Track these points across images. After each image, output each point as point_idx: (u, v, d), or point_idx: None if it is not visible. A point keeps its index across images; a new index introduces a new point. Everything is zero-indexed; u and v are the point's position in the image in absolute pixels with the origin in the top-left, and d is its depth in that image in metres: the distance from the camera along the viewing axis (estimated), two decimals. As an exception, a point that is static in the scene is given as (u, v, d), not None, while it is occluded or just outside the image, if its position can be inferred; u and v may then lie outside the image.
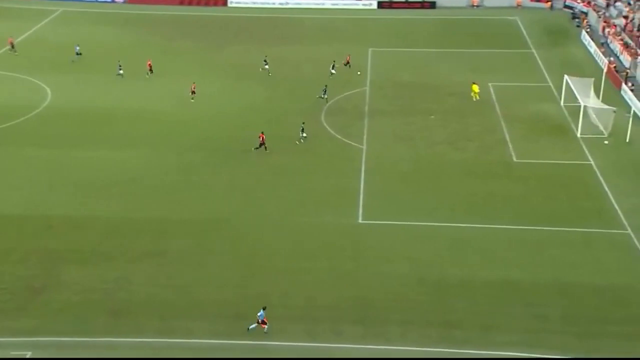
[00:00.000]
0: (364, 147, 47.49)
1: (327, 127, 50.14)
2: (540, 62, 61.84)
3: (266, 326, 31.05)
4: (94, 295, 33.45)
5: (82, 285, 34.09)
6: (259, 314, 31.06)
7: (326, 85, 54.47)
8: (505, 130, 49.78)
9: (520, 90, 56.25)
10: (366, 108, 53.61)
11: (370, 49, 65.01)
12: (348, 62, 59.03)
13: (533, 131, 49.53)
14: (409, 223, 38.98)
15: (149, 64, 58.73)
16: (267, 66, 58.79)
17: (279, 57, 63.31)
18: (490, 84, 56.97)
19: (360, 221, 39.40)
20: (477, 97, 53.90)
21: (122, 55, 61.74)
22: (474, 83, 54.39)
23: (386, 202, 41.06)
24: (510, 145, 47.59)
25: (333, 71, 58.00)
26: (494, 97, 55.07)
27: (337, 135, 49.05)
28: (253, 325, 31.11)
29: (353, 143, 48.06)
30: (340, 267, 35.51)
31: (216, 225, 38.93)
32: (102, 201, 40.92)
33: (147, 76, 58.14)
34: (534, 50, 64.53)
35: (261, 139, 46.41)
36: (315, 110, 52.87)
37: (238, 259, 36.12)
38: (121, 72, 58.40)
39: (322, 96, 53.79)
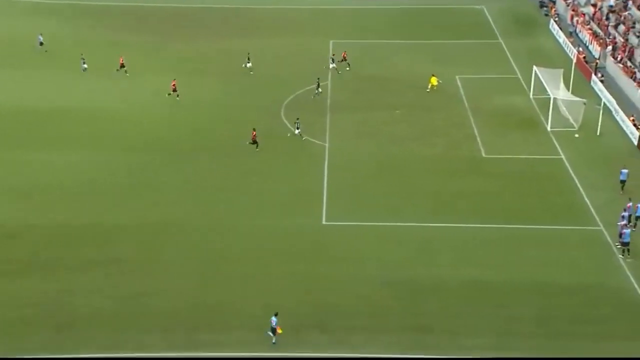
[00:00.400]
0: (327, 145, 47.27)
1: (287, 123, 49.80)
2: (508, 52, 62.52)
3: (274, 337, 30.58)
4: (32, 310, 32.41)
5: (19, 300, 33.03)
6: (273, 322, 30.58)
7: (319, 79, 54.10)
8: (473, 124, 50.12)
9: (488, 83, 56.75)
10: (328, 103, 53.43)
11: (331, 41, 64.86)
12: (344, 59, 58.12)
13: (502, 125, 49.96)
14: (375, 223, 38.88)
15: (121, 61, 57.31)
16: (249, 64, 57.77)
17: (233, 50, 62.74)
18: (457, 76, 57.33)
19: (323, 223, 39.18)
20: (433, 88, 54.08)
21: (64, 50, 60.43)
22: (433, 75, 54.63)
23: (351, 202, 40.89)
24: (479, 140, 47.91)
25: (333, 65, 57.17)
26: (461, 89, 55.43)
27: (297, 132, 48.73)
28: (270, 332, 30.74)
29: (315, 140, 47.81)
30: (302, 271, 35.22)
31: (167, 230, 38.27)
32: (41, 207, 39.90)
33: (125, 73, 56.60)
34: (501, 41, 65.22)
35: (253, 135, 46.13)
36: (273, 106, 52.47)
37: (192, 266, 35.55)
38: (85, 66, 57.32)
39: (317, 91, 53.39)
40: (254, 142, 46.03)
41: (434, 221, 39.03)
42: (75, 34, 65.86)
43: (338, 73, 56.87)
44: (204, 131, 49.13)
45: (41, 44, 61.34)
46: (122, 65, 57.05)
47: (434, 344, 30.85)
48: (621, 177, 41.89)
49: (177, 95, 52.94)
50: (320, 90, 53.57)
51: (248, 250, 36.87)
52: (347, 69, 58.06)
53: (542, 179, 43.41)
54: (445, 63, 59.66)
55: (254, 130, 46.32)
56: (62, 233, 37.87)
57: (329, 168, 44.50)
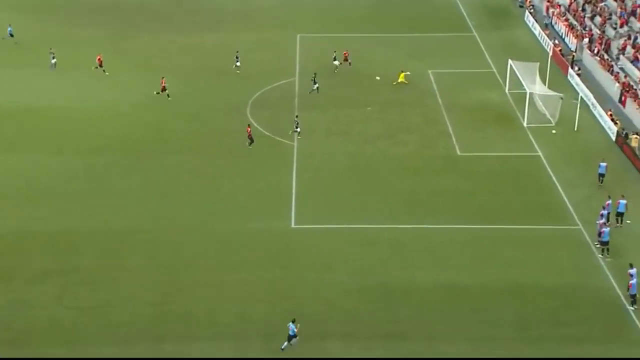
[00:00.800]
0: (295, 144, 47.38)
1: (253, 122, 49.80)
2: (482, 46, 63.23)
3: (286, 343, 30.64)
4: (-15, 324, 32.11)
5: (-31, 313, 32.71)
6: (290, 329, 30.65)
7: (315, 74, 54.04)
8: (447, 121, 50.64)
9: (462, 77, 57.35)
10: (296, 101, 53.53)
11: (298, 35, 64.97)
12: (347, 59, 58.08)
13: (477, 121, 50.57)
14: (347, 226, 39.10)
15: (99, 59, 56.58)
16: (238, 63, 57.33)
17: (197, 45, 62.58)
18: (429, 71, 57.85)
19: (293, 226, 39.30)
20: (400, 84, 54.56)
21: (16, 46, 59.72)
22: (402, 72, 55.00)
23: (321, 204, 41.07)
24: (454, 138, 48.43)
25: (336, 62, 57.01)
26: (434, 85, 55.95)
27: (264, 132, 48.77)
28: (285, 344, 30.74)
29: (283, 140, 47.89)
30: (273, 277, 35.32)
31: (130, 236, 38.09)
32: (-5, 214, 39.45)
33: (104, 72, 56.06)
34: (475, 34, 65.93)
35: (248, 133, 46.20)
36: (239, 104, 52.45)
37: (157, 274, 35.43)
38: (54, 61, 56.66)
39: (314, 88, 53.39)
40: (250, 139, 46.17)
41: (408, 222, 39.38)
42: (29, 28, 64.97)
43: (334, 72, 56.71)
44: (168, 131, 48.91)
45: (11, 35, 60.98)
46: (100, 64, 56.30)
47: (408, 351, 31.13)
48: (599, 171, 42.77)
49: (168, 95, 52.36)
50: (317, 86, 53.50)
51: (216, 255, 36.85)
52: (336, 68, 57.59)
53: (519, 177, 44.05)
54: (417, 57, 60.15)
55: (249, 126, 46.59)
56: (17, 240, 37.47)
57: (298, 169, 44.62)
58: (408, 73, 55.35)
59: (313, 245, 37.76)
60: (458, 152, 46.76)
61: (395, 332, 32.10)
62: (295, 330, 30.70)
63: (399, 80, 55.06)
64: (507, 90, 54.65)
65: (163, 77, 53.08)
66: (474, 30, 66.64)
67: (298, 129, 47.74)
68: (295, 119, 48.25)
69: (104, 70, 56.26)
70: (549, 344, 31.50)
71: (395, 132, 49.12)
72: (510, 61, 54.14)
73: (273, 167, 44.87)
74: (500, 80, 56.22)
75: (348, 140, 48.09)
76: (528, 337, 31.87)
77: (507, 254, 37.06)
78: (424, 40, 64.44)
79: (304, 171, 44.35)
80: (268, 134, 48.53)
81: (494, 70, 58.30)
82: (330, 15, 70.28)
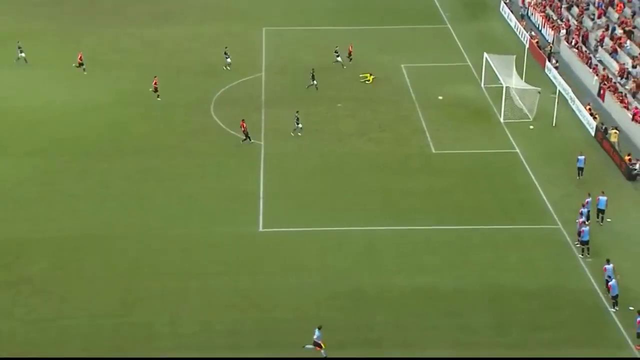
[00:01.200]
0: (262, 143, 47.21)
1: (217, 120, 49.53)
2: (456, 38, 63.60)
3: (323, 350, 30.48)
4: None
5: None
6: (315, 336, 30.51)
7: (313, 69, 53.78)
8: (421, 117, 50.82)
9: (436, 71, 57.63)
10: (263, 97, 53.35)
11: (264, 28, 64.77)
12: (350, 54, 57.67)
13: (452, 117, 50.82)
14: (317, 229, 39.03)
15: (80, 57, 55.66)
16: (229, 59, 56.82)
17: (154, 39, 62.07)
18: (402, 65, 58.03)
19: (260, 230, 39.13)
20: (364, 79, 54.77)
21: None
22: (370, 74, 55.20)
23: (291, 206, 40.95)
24: (428, 135, 48.62)
25: (339, 59, 56.67)
26: (407, 80, 56.13)
27: (230, 131, 48.53)
28: (309, 346, 30.60)
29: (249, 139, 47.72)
30: (239, 284, 35.10)
31: (86, 243, 37.65)
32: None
33: (82, 71, 55.28)
34: (449, 25, 66.29)
35: (243, 128, 46.00)
36: (201, 101, 52.12)
37: (115, 283, 35.04)
38: (22, 55, 55.93)
39: (312, 83, 53.15)
40: (246, 134, 45.99)
41: (381, 224, 39.42)
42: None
43: (343, 68, 56.48)
44: (126, 131, 48.45)
45: None
46: (81, 63, 55.44)
47: (383, 358, 31.10)
48: (578, 164, 43.31)
49: (158, 96, 51.75)
50: (315, 82, 53.31)
51: (179, 262, 36.55)
52: (338, 64, 57.25)
53: (496, 175, 44.36)
54: (389, 51, 60.33)
55: (243, 120, 46.43)
56: (-37, 251, 36.84)
57: (265, 169, 44.45)
58: (374, 77, 55.28)
59: (282, 249, 37.61)
60: (433, 150, 46.93)
61: (370, 339, 32.08)
62: (314, 337, 30.57)
63: (367, 79, 55.11)
64: (482, 85, 55.02)
65: (155, 76, 52.48)
66: (447, 22, 67.01)
67: (300, 125, 47.48)
68: (296, 114, 47.97)
69: (84, 70, 55.36)
70: (528, 348, 31.70)
71: (367, 130, 49.17)
72: (485, 54, 54.51)
73: (239, 167, 44.63)
74: (476, 74, 56.59)
75: (318, 138, 48.02)
76: (506, 342, 32.05)
77: (484, 255, 37.27)
78: (396, 32, 64.63)
79: (272, 171, 44.18)
80: (234, 133, 48.26)
81: (469, 63, 58.66)
82: (297, 7, 70.18)
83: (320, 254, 37.29)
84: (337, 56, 57.04)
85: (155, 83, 51.99)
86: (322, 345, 30.68)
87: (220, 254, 37.15)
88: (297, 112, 48.42)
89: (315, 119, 50.30)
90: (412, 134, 48.70)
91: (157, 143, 46.87)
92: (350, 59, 57.60)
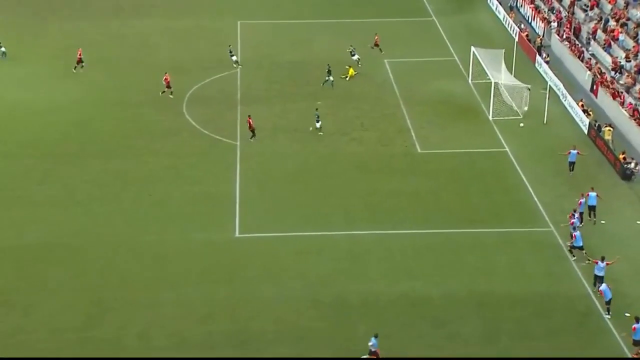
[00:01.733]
0: (238, 144, 47.33)
1: (190, 120, 49.60)
2: (442, 32, 64.06)
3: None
4: None
5: None
6: (370, 343, 30.62)
7: (329, 65, 53.77)
8: (406, 115, 51.15)
9: (422, 67, 58.04)
10: (238, 95, 53.47)
11: (239, 22, 64.88)
12: (377, 44, 57.87)
13: (439, 115, 51.20)
14: (297, 234, 39.18)
15: (79, 55, 55.27)
16: (233, 57, 56.58)
17: (121, 35, 62.00)
18: (385, 60, 58.37)
19: (237, 235, 39.23)
20: (346, 76, 55.10)
21: None
22: (350, 67, 55.45)
23: (269, 210, 41.08)
24: (413, 134, 48.95)
25: (354, 57, 56.27)
26: (391, 76, 56.47)
27: (203, 130, 48.61)
28: (364, 357, 30.69)
29: (224, 139, 47.78)
30: (214, 293, 35.16)
31: (49, 252, 37.56)
32: None
33: (74, 70, 55.06)
34: (434, 18, 66.76)
35: (249, 124, 46.28)
36: (173, 100, 52.14)
37: (81, 294, 34.96)
38: (3, 49, 55.82)
39: (327, 78, 53.24)
40: (252, 131, 46.24)
41: (364, 228, 39.65)
42: None
43: (358, 66, 56.36)
44: (91, 132, 48.38)
45: None
46: (80, 60, 55.10)
47: (368, 370, 31.42)
48: (570, 159, 43.89)
49: (171, 93, 51.69)
50: (331, 78, 53.39)
51: (149, 271, 36.54)
52: (360, 65, 57.00)
53: (485, 175, 44.73)
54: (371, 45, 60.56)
55: (249, 116, 46.76)
56: None
57: (241, 171, 44.55)
58: (356, 73, 55.58)
59: (260, 256, 37.70)
60: (418, 150, 47.26)
61: (353, 349, 32.16)
62: (374, 347, 30.77)
63: (350, 75, 55.36)
64: (470, 81, 55.47)
65: (166, 73, 52.37)
66: (433, 15, 67.49)
67: (319, 123, 47.53)
68: (316, 112, 48.03)
69: (82, 67, 55.06)
70: (519, 357, 31.96)
71: (350, 129, 49.41)
72: (473, 48, 54.96)
73: (213, 169, 44.70)
74: (463, 70, 57.04)
75: (298, 137, 48.21)
76: (496, 350, 32.30)
77: (472, 260, 37.57)
78: (380, 26, 64.83)
79: (249, 173, 44.29)
80: (207, 132, 48.35)
81: (456, 58, 59.11)
82: (273, 0, 70.24)
83: (301, 260, 37.44)
84: (353, 55, 56.64)
85: (166, 80, 51.85)
86: (378, 353, 30.79)
87: (195, 262, 37.18)
88: (317, 109, 48.47)
89: (293, 118, 50.49)
90: (396, 133, 49.01)
91: (126, 144, 46.81)
92: (381, 50, 57.99)
